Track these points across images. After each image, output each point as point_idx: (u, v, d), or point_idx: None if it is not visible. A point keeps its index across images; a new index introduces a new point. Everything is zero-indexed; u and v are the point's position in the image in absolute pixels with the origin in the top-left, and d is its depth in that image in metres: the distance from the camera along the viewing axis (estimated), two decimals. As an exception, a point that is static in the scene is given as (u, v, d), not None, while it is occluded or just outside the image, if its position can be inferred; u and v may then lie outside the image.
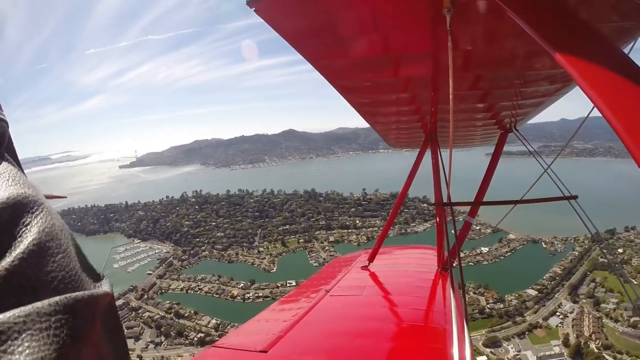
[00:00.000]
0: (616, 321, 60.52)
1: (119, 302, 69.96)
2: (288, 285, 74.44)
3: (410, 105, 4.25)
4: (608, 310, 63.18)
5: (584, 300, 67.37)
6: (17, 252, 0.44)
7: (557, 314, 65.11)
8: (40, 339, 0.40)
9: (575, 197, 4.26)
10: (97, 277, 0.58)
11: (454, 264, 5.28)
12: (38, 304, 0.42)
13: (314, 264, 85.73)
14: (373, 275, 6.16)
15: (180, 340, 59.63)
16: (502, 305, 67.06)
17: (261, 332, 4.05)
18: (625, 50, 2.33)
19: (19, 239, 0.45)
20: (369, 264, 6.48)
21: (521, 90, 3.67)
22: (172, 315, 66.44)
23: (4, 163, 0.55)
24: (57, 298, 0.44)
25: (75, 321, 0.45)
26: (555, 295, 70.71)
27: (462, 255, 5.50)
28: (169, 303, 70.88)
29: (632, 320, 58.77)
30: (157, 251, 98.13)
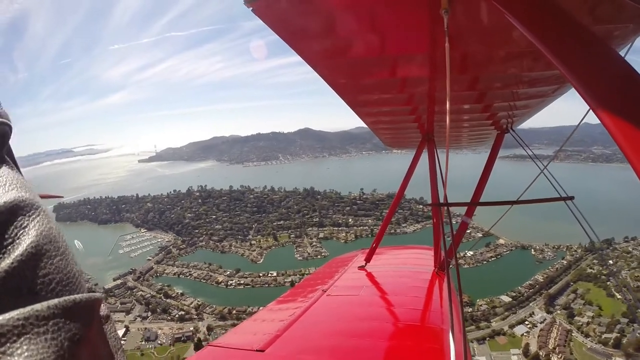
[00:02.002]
0: (587, 336, 59.60)
1: (118, 282, 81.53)
2: (269, 275, 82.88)
3: (407, 106, 4.35)
4: (581, 323, 62.22)
5: (559, 312, 66.70)
6: (15, 255, 0.45)
7: (526, 322, 64.88)
8: (39, 342, 0.42)
9: (571, 198, 4.26)
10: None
11: (451, 265, 5.29)
12: (37, 306, 0.43)
13: (299, 258, 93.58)
14: (370, 275, 6.28)
15: (163, 316, 69.58)
16: (470, 309, 66.81)
17: (258, 332, 4.16)
18: (622, 53, 2.41)
19: (17, 242, 0.47)
20: (365, 264, 6.61)
21: (518, 91, 3.76)
22: (161, 295, 76.89)
23: (3, 167, 0.57)
24: (55, 300, 0.46)
25: (74, 324, 0.47)
26: (530, 304, 70.87)
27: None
28: (160, 285, 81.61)
29: (603, 336, 58.31)
30: (159, 240, 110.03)
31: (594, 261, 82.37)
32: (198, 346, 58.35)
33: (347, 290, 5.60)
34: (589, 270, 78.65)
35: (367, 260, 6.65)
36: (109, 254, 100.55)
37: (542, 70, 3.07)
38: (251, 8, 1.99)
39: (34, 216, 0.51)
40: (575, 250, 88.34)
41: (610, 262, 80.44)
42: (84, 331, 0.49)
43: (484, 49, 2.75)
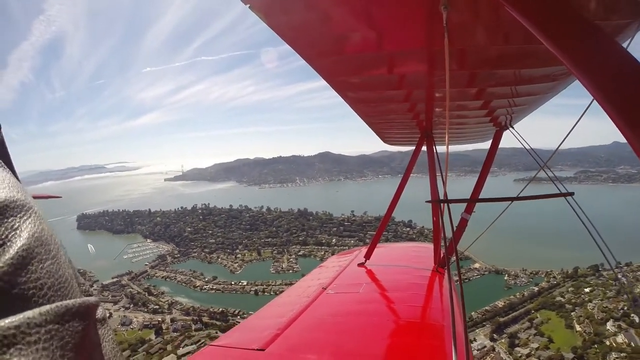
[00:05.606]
0: (521, 369, 57.66)
1: (114, 280, 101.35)
2: (239, 284, 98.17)
3: (405, 102, 4.48)
4: (521, 355, 60.61)
5: (503, 340, 65.62)
6: (5, 259, 0.45)
7: (461, 350, 66.42)
8: (30, 352, 0.42)
9: (571, 194, 4.39)
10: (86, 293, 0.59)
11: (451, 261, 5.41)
12: (29, 313, 0.43)
13: (272, 272, 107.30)
14: (370, 273, 6.52)
15: (142, 308, 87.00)
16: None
17: (259, 330, 4.28)
18: (624, 46, 2.42)
19: (7, 244, 0.47)
20: (365, 261, 6.85)
21: (518, 87, 3.85)
22: (145, 292, 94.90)
23: None
24: (47, 307, 0.46)
25: (67, 331, 0.47)
26: (476, 330, 69.09)
27: None
28: (148, 284, 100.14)
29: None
30: (161, 249, 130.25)
31: (570, 288, 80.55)
32: (158, 331, 74.74)
33: (347, 288, 5.82)
34: (558, 299, 76.54)
35: (367, 257, 6.92)
36: (115, 258, 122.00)
37: (543, 66, 3.13)
38: (248, 5, 2.12)
39: (25, 217, 0.51)
40: (554, 277, 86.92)
41: (587, 289, 78.22)
42: (78, 338, 0.49)
43: (484, 45, 2.82)
